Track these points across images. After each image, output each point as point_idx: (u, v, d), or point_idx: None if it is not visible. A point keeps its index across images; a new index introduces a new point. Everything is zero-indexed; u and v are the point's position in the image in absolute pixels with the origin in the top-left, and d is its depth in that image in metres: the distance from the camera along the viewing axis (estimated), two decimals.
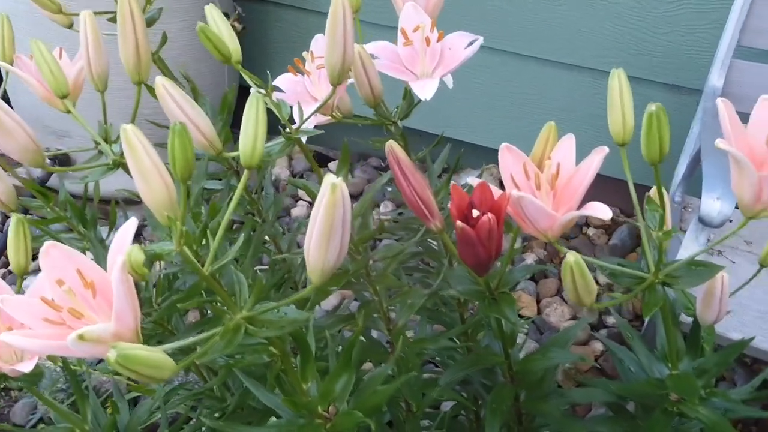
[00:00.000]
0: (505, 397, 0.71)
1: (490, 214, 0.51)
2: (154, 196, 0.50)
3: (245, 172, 0.48)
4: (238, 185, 0.48)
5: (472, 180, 0.56)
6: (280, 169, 2.26)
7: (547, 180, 0.55)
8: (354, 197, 2.15)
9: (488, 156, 2.09)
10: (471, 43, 0.73)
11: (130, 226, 0.47)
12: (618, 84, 0.55)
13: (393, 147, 0.61)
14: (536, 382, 0.75)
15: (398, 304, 0.75)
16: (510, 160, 0.57)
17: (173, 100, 0.58)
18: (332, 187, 0.40)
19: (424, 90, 0.69)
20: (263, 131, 0.48)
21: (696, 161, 1.36)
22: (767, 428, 1.43)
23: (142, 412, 0.72)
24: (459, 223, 0.52)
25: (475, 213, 0.53)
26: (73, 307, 0.44)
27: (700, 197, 1.39)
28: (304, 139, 0.68)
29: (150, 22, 0.84)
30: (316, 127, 0.71)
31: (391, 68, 0.73)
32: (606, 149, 0.54)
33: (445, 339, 0.74)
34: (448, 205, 0.56)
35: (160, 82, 0.58)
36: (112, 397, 1.39)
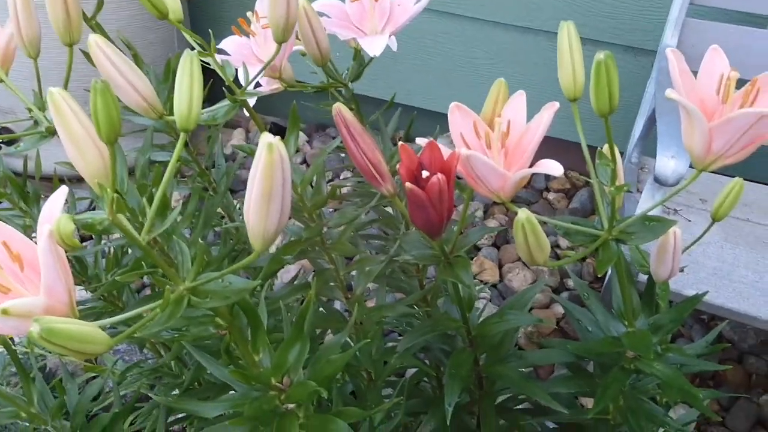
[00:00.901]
0: (464, 362, 0.71)
1: (439, 175, 0.50)
2: (87, 164, 0.47)
3: (182, 135, 0.45)
4: (176, 148, 0.45)
5: (421, 140, 0.54)
6: (239, 141, 2.21)
7: (497, 138, 0.53)
8: None
9: (447, 123, 2.07)
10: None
11: (59, 194, 0.45)
12: (567, 36, 0.53)
13: (340, 108, 0.59)
14: (495, 346, 0.74)
15: (355, 272, 0.74)
16: (459, 118, 0.56)
17: (108, 59, 0.55)
18: (269, 147, 0.38)
19: (374, 46, 0.67)
20: (199, 91, 0.45)
21: (651, 121, 1.37)
22: (724, 382, 1.48)
23: (91, 392, 0.70)
24: (408, 184, 0.50)
25: (425, 174, 0.51)
26: (0, 281, 0.42)
27: (656, 157, 1.40)
28: (251, 102, 0.66)
29: None
30: (262, 97, 0.69)
31: (340, 26, 0.71)
32: (556, 104, 0.52)
33: (402, 306, 0.73)
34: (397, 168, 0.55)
35: (93, 40, 0.54)
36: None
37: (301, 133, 2.25)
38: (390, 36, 0.69)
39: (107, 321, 0.43)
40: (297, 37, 0.72)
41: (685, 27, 1.33)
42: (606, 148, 0.56)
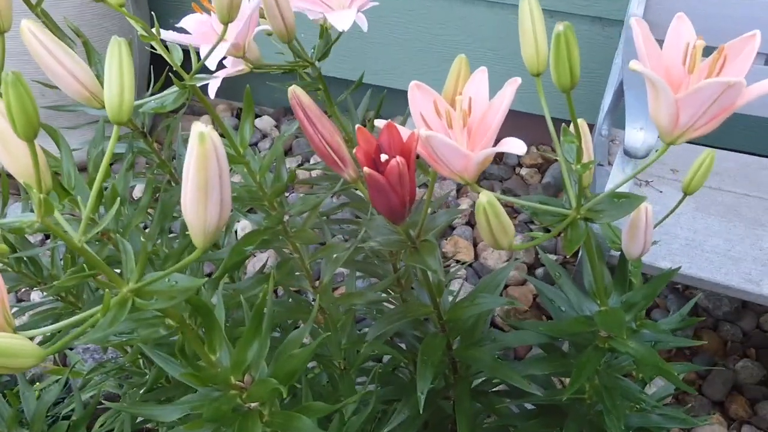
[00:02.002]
0: (436, 348, 0.69)
1: (399, 158, 0.47)
2: (15, 161, 0.44)
3: (115, 128, 0.42)
4: (110, 141, 0.42)
5: (379, 122, 0.51)
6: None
7: (459, 117, 0.51)
8: (284, 153, 2.08)
9: None
10: None
11: None
12: (528, 8, 0.50)
13: (296, 92, 0.56)
14: (468, 330, 0.73)
15: (322, 260, 0.71)
16: (419, 97, 0.53)
17: (43, 46, 0.51)
18: (200, 137, 0.35)
19: (342, 20, 0.65)
20: (130, 80, 0.42)
21: (620, 93, 1.35)
22: (699, 350, 1.48)
23: (49, 398, 0.67)
24: (366, 169, 0.47)
25: (384, 157, 0.48)
26: None
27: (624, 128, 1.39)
28: (214, 87, 0.62)
29: None
30: (229, 80, 0.66)
31: (306, 0, 0.68)
32: (518, 80, 0.50)
33: (372, 293, 0.71)
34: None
35: (26, 26, 0.50)
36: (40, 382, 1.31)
37: (268, 117, 2.20)
38: (358, 12, 0.66)
39: (41, 330, 0.40)
40: (262, 15, 0.68)
41: None
42: (571, 124, 0.54)
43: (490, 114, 0.51)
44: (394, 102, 1.98)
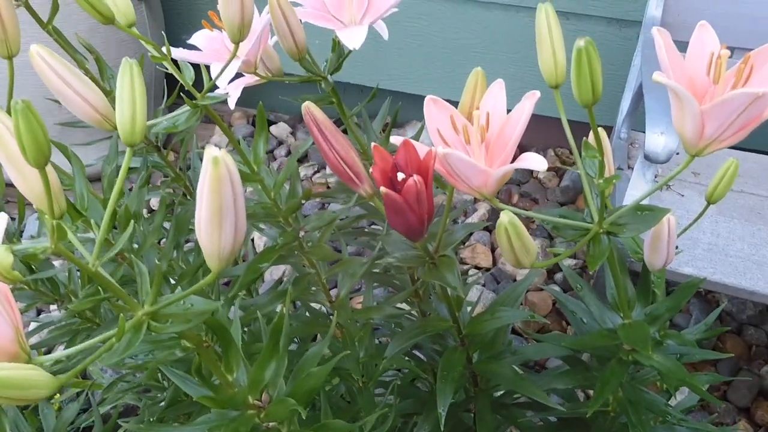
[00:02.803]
0: (456, 362, 0.68)
1: (416, 177, 0.46)
2: (30, 187, 0.43)
3: (128, 151, 0.42)
4: (123, 164, 0.42)
5: (396, 139, 0.51)
6: (220, 137, 2.16)
7: (477, 132, 0.50)
8: (299, 160, 2.07)
9: None
10: None
11: None
12: (545, 19, 0.49)
13: (309, 107, 0.56)
14: (487, 343, 0.71)
15: (339, 275, 0.70)
16: (435, 112, 0.52)
17: (52, 71, 0.51)
18: (214, 161, 0.34)
19: (353, 38, 0.64)
20: (142, 101, 0.41)
21: (639, 95, 1.33)
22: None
23: (69, 415, 0.67)
24: (383, 189, 0.46)
25: (401, 176, 0.48)
26: None
27: (645, 133, 1.37)
28: (233, 100, 0.62)
29: None
30: (245, 88, 0.65)
31: (316, 16, 0.67)
32: (537, 93, 0.49)
33: (390, 307, 0.70)
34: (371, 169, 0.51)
35: (35, 51, 0.50)
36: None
37: (284, 124, 2.20)
38: (371, 24, 0.65)
39: (56, 356, 0.39)
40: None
41: None
42: (592, 137, 0.53)
43: (508, 128, 0.50)
44: (409, 106, 1.98)
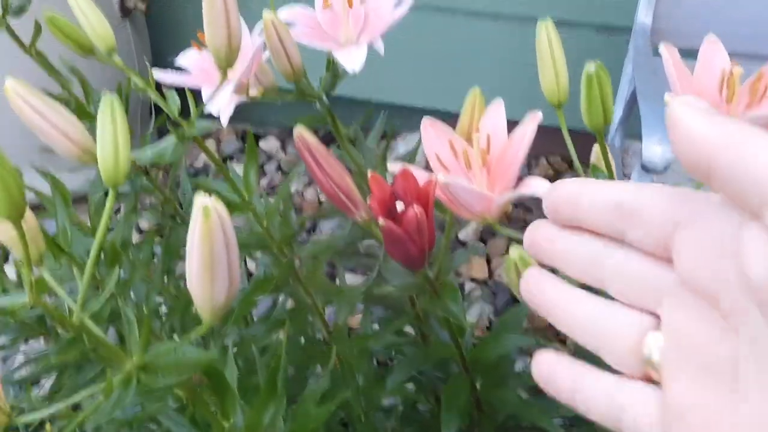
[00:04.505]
0: (460, 390, 0.65)
1: (416, 207, 0.44)
2: (6, 234, 0.41)
3: (111, 193, 0.39)
4: (105, 209, 0.39)
5: (394, 165, 0.48)
6: None
7: (477, 156, 0.48)
8: (288, 174, 2.05)
9: (421, 117, 2.02)
10: (400, 2, 0.65)
11: None
12: (546, 37, 0.47)
13: (302, 134, 0.53)
14: (492, 368, 0.69)
15: (335, 304, 0.68)
16: (434, 136, 0.50)
17: (28, 105, 0.48)
18: (204, 211, 0.32)
19: (351, 60, 0.61)
20: (125, 139, 0.39)
21: (632, 103, 1.31)
22: None
23: None
24: (381, 221, 0.44)
25: (400, 206, 0.45)
26: None
27: (640, 140, 1.35)
28: (225, 121, 0.59)
29: (19, 11, 0.72)
30: (241, 107, 0.63)
31: (311, 36, 0.64)
32: (539, 115, 0.47)
33: (390, 335, 0.67)
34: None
35: (11, 86, 0.48)
36: None
37: (273, 138, 2.18)
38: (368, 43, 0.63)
39: (38, 416, 0.37)
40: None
41: (659, 2, 1.28)
42: (598, 157, 0.51)
43: (510, 151, 0.48)
44: (400, 118, 1.95)
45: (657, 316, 0.27)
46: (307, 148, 0.53)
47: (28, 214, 0.41)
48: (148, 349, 0.41)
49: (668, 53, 0.42)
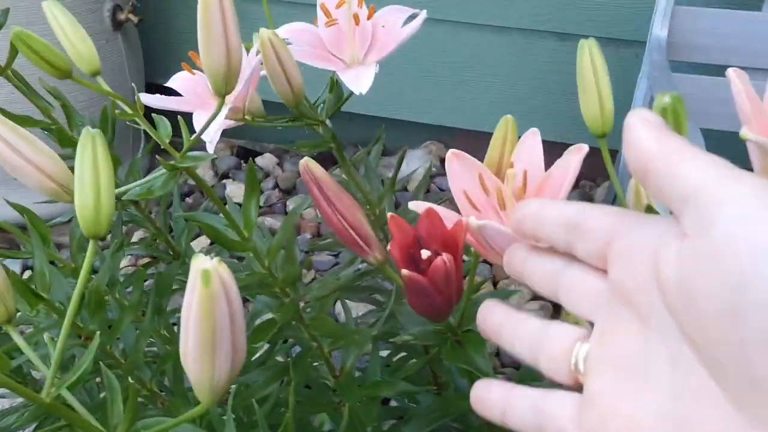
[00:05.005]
0: None
1: (445, 255, 0.38)
2: None
3: (90, 245, 0.33)
4: (85, 262, 0.33)
5: (416, 205, 0.42)
6: (203, 170, 2.07)
7: (511, 195, 0.42)
8: (287, 192, 1.99)
9: (427, 132, 1.96)
10: (410, 19, 0.60)
11: None
12: (589, 59, 0.42)
13: (308, 165, 0.47)
14: None
15: (343, 348, 0.62)
16: (460, 171, 0.44)
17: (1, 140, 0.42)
18: (204, 276, 0.25)
19: (359, 82, 0.56)
20: (108, 181, 0.33)
21: None
22: None
23: None
24: (405, 272, 0.38)
25: (425, 254, 0.39)
26: None
27: None
28: (211, 147, 0.53)
29: None
30: (225, 129, 0.57)
31: (313, 56, 0.59)
32: (585, 148, 0.41)
33: (403, 383, 0.61)
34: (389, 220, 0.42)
35: None
36: None
37: (270, 155, 2.12)
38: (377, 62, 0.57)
39: None
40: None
41: (674, 15, 1.23)
42: (637, 193, 0.45)
43: (550, 187, 0.42)
44: (400, 133, 1.90)
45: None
46: (314, 181, 0.47)
47: None
48: (134, 426, 0.35)
49: (738, 80, 0.36)
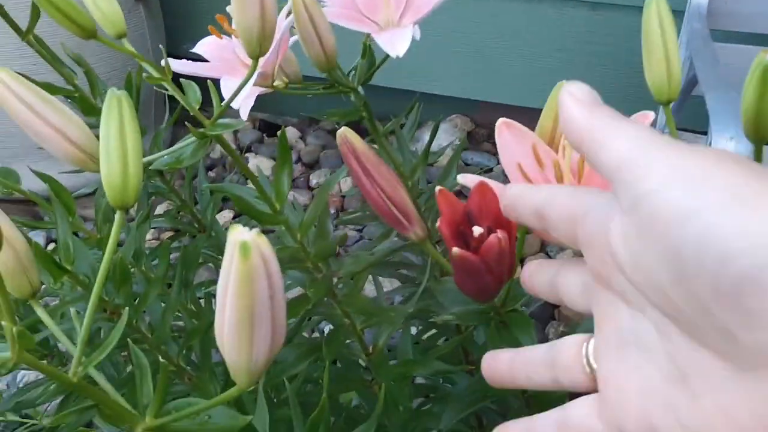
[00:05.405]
0: None
1: (500, 233, 0.35)
2: None
3: (117, 216, 0.31)
4: (111, 234, 0.31)
5: (465, 178, 0.39)
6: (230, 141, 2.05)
7: (568, 168, 0.39)
8: (309, 167, 1.96)
9: (451, 105, 1.92)
10: None
11: None
12: (657, 18, 0.38)
13: (347, 136, 0.44)
14: (556, 401, 0.60)
15: (375, 326, 0.60)
16: (512, 141, 0.40)
17: (21, 101, 0.39)
18: (243, 249, 0.23)
19: (394, 44, 0.53)
20: (136, 147, 0.30)
21: (686, 92, 1.21)
22: None
23: None
24: (456, 250, 0.35)
25: (477, 231, 0.36)
26: None
27: (689, 130, 1.25)
28: (245, 114, 0.51)
29: None
30: (258, 96, 0.55)
31: (346, 17, 0.56)
32: (651, 115, 0.38)
33: (438, 362, 0.59)
34: (436, 200, 0.39)
35: None
36: None
37: (293, 128, 2.09)
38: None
39: None
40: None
41: None
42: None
43: None
44: (425, 106, 1.86)
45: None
46: (353, 154, 0.44)
47: (16, 239, 0.33)
48: (163, 407, 0.33)
49: None
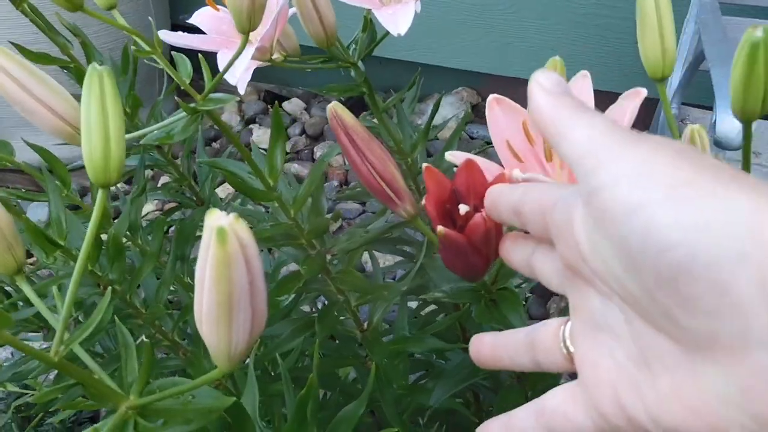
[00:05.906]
0: (512, 403, 0.57)
1: (485, 211, 0.35)
2: None
3: (100, 194, 0.30)
4: (95, 210, 0.30)
5: (453, 155, 0.39)
6: (230, 115, 2.04)
7: None
8: (314, 139, 1.95)
9: (457, 78, 1.90)
10: None
11: None
12: None
13: (337, 111, 0.44)
14: (549, 379, 0.60)
15: (370, 303, 0.60)
16: (502, 117, 0.40)
17: (6, 75, 0.39)
18: (219, 235, 0.23)
19: (396, 22, 0.52)
20: (118, 125, 0.30)
21: (694, 67, 1.19)
22: None
23: None
24: (441, 228, 0.35)
25: (463, 209, 0.36)
26: None
27: (697, 106, 1.24)
28: (243, 88, 0.50)
29: None
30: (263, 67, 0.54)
31: None
32: (643, 92, 0.37)
33: (433, 339, 0.59)
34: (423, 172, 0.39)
35: None
36: None
37: (297, 100, 2.08)
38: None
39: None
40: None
41: None
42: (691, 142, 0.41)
43: None
44: (430, 79, 1.84)
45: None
46: (343, 129, 0.44)
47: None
48: (148, 386, 0.33)
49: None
